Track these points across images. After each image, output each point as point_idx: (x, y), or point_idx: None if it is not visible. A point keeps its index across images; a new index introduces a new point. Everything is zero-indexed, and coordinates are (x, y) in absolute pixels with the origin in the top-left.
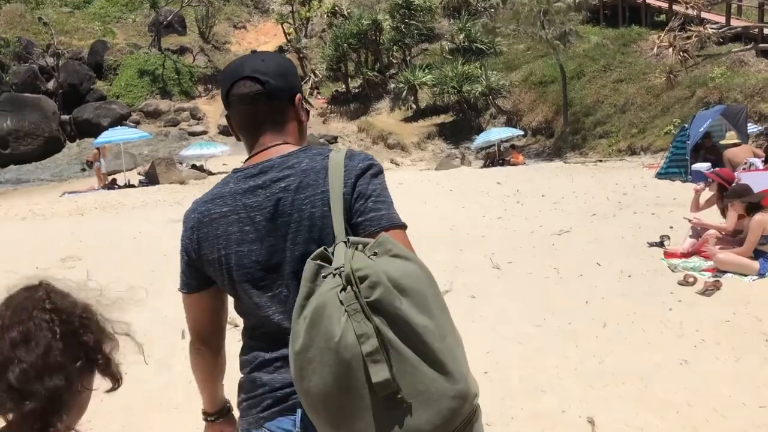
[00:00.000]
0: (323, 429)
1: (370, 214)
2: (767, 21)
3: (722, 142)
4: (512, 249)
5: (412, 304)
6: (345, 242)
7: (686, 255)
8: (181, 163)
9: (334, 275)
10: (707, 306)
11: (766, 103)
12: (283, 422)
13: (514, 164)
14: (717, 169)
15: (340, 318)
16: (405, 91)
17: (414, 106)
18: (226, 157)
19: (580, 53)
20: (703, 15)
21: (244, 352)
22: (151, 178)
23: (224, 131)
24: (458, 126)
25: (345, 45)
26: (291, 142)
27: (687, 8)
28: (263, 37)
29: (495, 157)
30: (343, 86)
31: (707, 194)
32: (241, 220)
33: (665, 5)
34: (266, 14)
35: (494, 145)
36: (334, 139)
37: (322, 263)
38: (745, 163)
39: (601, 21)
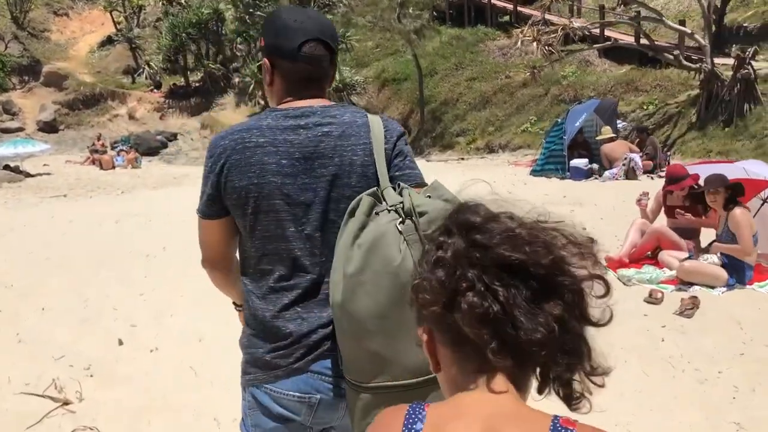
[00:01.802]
0: (364, 351)
1: (407, 170)
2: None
3: (598, 137)
4: None
5: None
6: (393, 187)
7: (636, 263)
8: None
9: (389, 211)
10: (702, 333)
11: (620, 100)
12: (326, 362)
13: None
14: (666, 170)
15: (400, 246)
16: (252, 86)
17: (262, 102)
18: (47, 156)
19: (430, 51)
20: (547, 16)
21: (258, 297)
22: None
23: (44, 128)
24: None
25: (183, 35)
26: (324, 97)
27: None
28: (89, 25)
29: None
30: (182, 79)
31: (651, 204)
32: (279, 152)
33: (510, 6)
34: (91, 1)
35: None
36: (173, 136)
37: (376, 200)
38: (625, 159)
39: (447, 20)
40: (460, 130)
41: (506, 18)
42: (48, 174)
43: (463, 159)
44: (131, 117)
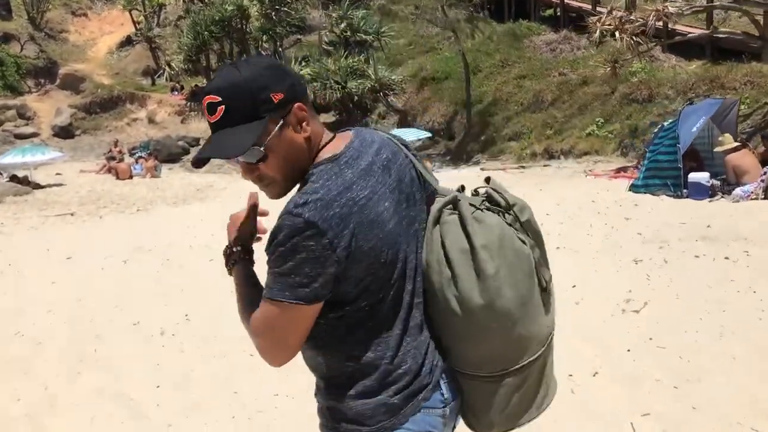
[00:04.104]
0: (509, 341)
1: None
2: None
3: (719, 148)
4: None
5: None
6: (458, 190)
7: None
8: (0, 174)
9: (483, 210)
10: None
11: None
12: (437, 395)
13: None
14: None
15: (518, 236)
16: None
17: None
18: (61, 164)
19: (471, 47)
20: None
21: (371, 347)
22: None
23: (59, 133)
24: (342, 127)
25: (206, 33)
26: None
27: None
28: (108, 26)
29: None
30: (204, 81)
31: None
32: (380, 198)
33: None
34: (110, 1)
35: None
36: (195, 142)
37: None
38: (764, 174)
39: (485, 15)
40: (513, 134)
41: (549, 12)
42: (59, 185)
43: (524, 167)
44: (151, 121)
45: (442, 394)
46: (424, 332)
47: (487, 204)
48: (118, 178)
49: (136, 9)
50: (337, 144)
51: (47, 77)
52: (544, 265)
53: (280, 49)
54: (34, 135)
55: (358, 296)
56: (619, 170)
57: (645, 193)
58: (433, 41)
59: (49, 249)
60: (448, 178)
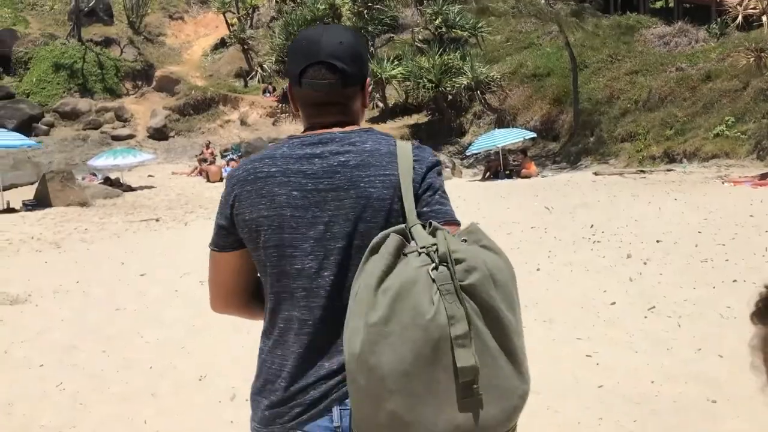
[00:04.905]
0: (382, 411)
1: (436, 206)
2: None
3: None
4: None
5: (501, 297)
6: (423, 225)
7: None
8: (95, 175)
9: (420, 254)
10: None
11: None
12: (320, 422)
13: (525, 176)
14: None
15: (432, 296)
16: (371, 87)
17: (381, 105)
18: (155, 165)
19: (574, 42)
20: None
21: (264, 342)
22: (41, 199)
23: (154, 135)
24: (435, 127)
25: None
26: (353, 122)
27: None
28: (203, 29)
29: (499, 167)
30: None
31: None
32: (290, 183)
33: None
34: (206, 4)
35: (493, 150)
36: None
37: (404, 239)
38: None
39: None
40: (626, 134)
41: (660, 3)
42: (149, 188)
43: (643, 171)
44: (243, 122)
45: (331, 420)
46: (334, 359)
47: (429, 250)
48: (208, 180)
49: (230, 11)
50: (321, 129)
51: (144, 80)
52: (468, 346)
53: (372, 47)
54: (131, 137)
55: (261, 273)
56: (764, 176)
57: None
58: (532, 37)
59: (124, 263)
60: (553, 183)
